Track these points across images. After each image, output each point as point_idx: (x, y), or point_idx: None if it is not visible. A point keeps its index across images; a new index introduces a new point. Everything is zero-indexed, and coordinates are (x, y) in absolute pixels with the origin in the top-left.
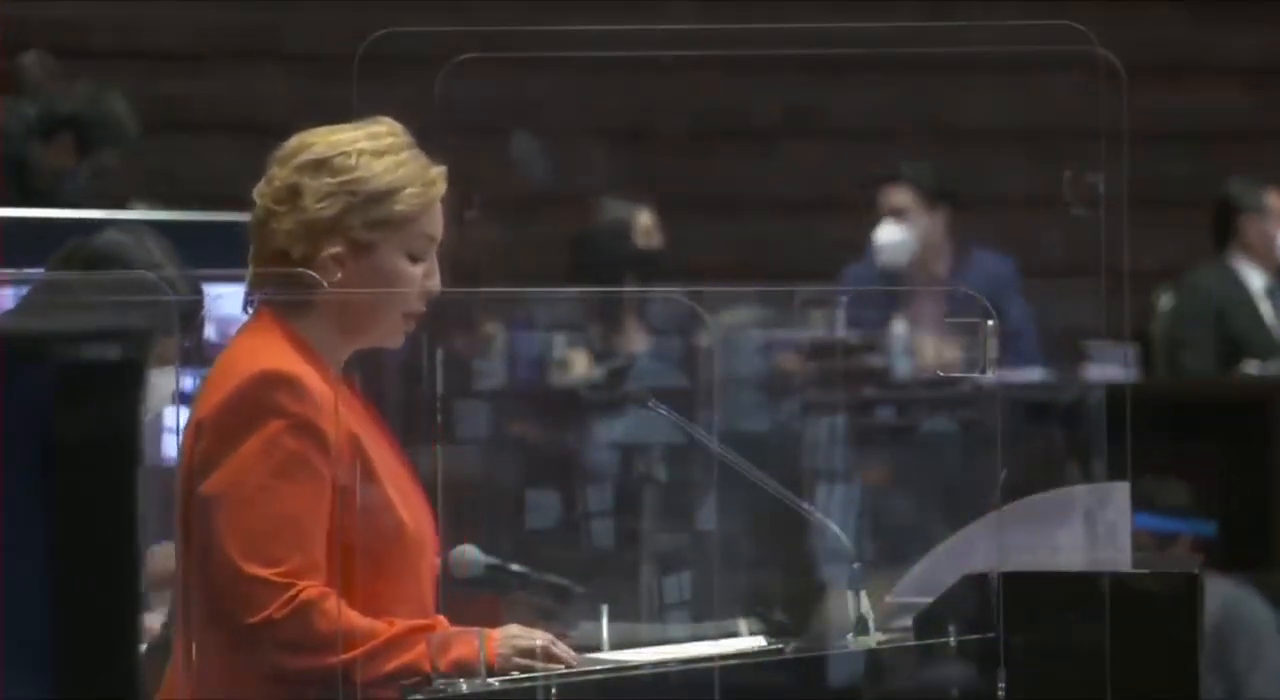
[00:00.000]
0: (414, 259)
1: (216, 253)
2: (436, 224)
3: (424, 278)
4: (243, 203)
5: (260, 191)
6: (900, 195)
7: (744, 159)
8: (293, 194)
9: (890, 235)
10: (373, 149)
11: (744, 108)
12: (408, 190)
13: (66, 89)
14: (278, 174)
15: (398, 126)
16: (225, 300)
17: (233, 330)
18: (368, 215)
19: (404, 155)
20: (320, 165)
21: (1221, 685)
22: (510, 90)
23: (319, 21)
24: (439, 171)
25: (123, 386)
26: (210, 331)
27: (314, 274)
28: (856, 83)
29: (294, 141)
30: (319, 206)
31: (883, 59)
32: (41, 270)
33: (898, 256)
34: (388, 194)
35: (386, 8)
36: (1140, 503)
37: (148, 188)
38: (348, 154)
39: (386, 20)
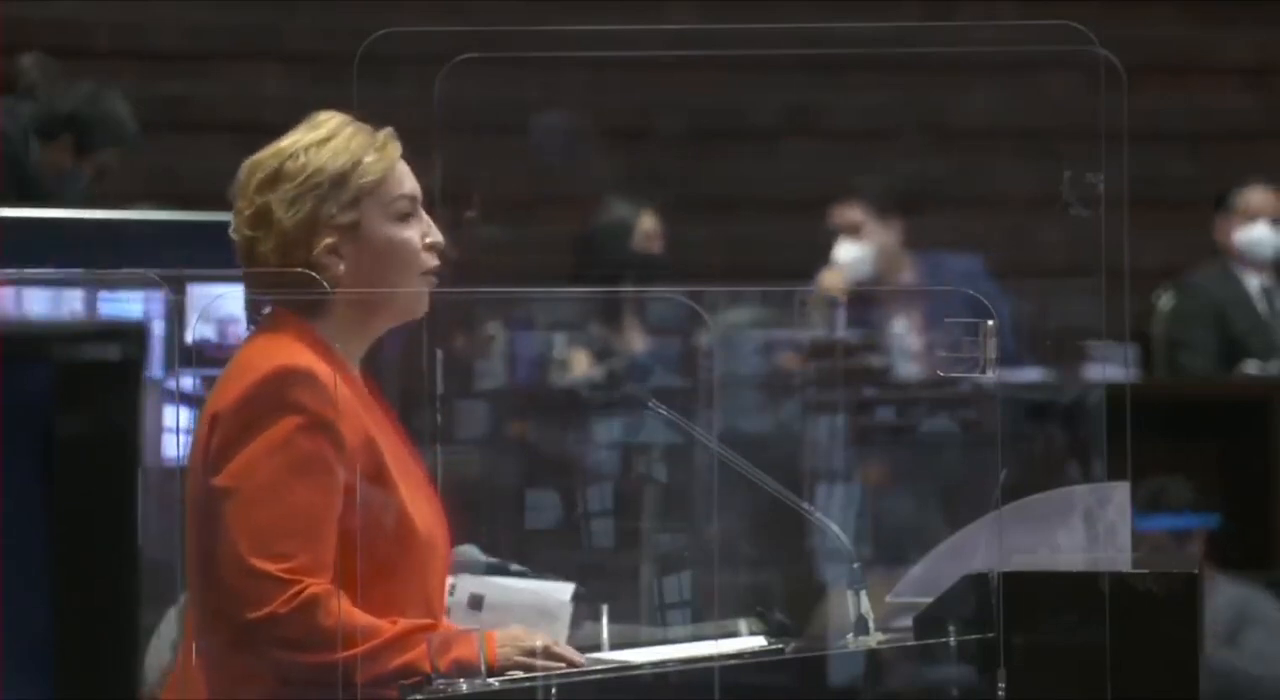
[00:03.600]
0: (403, 220)
1: (217, 253)
2: (408, 183)
3: (422, 236)
4: None
5: (235, 226)
6: (852, 212)
7: (744, 159)
8: (263, 215)
9: (848, 252)
10: (314, 140)
11: (744, 108)
12: (364, 160)
13: (66, 89)
14: (241, 204)
15: (334, 112)
16: (226, 300)
17: (234, 330)
18: (339, 199)
19: (347, 131)
20: (276, 177)
21: (1231, 689)
22: (510, 90)
23: (319, 21)
24: (387, 133)
25: (122, 384)
26: (210, 331)
27: (308, 274)
28: (856, 83)
29: (245, 166)
30: (291, 214)
31: (883, 59)
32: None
33: (857, 272)
34: (347, 173)
35: (386, 8)
36: (1150, 505)
37: (148, 188)
38: (294, 155)
39: (386, 20)
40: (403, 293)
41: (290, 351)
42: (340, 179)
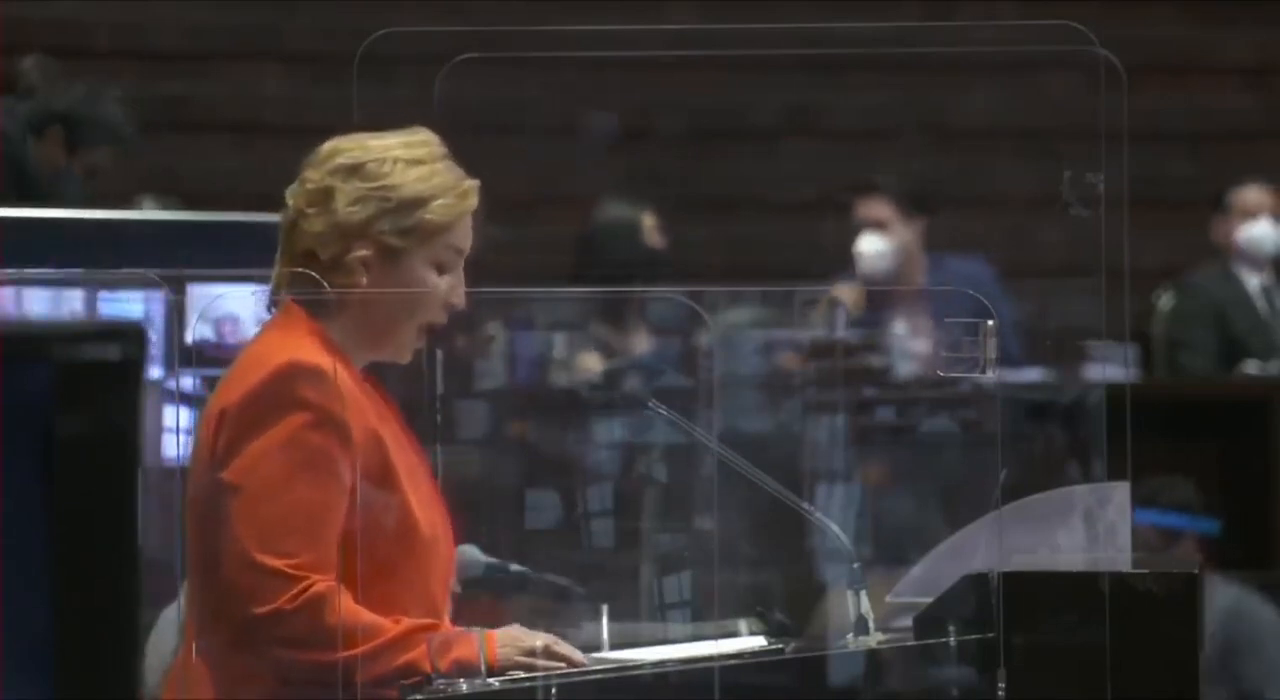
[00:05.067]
0: (440, 270)
1: (217, 253)
2: (465, 237)
3: (448, 291)
4: (243, 203)
5: (292, 193)
6: (879, 208)
7: (744, 159)
8: (325, 196)
9: (871, 245)
10: (407, 157)
11: (744, 108)
12: (439, 200)
13: (66, 89)
14: (311, 177)
15: (434, 137)
16: (226, 300)
17: (234, 328)
18: (398, 222)
19: (438, 165)
20: (354, 170)
21: (1229, 689)
22: (510, 90)
23: (319, 21)
24: (472, 185)
25: (122, 384)
26: (209, 330)
27: (317, 280)
28: (856, 83)
29: (328, 146)
30: (350, 209)
31: (883, 59)
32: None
33: (878, 266)
34: (419, 202)
35: (386, 8)
36: (1144, 500)
37: (148, 188)
38: (382, 160)
39: (386, 20)
40: (402, 330)
41: (299, 348)
42: (408, 205)
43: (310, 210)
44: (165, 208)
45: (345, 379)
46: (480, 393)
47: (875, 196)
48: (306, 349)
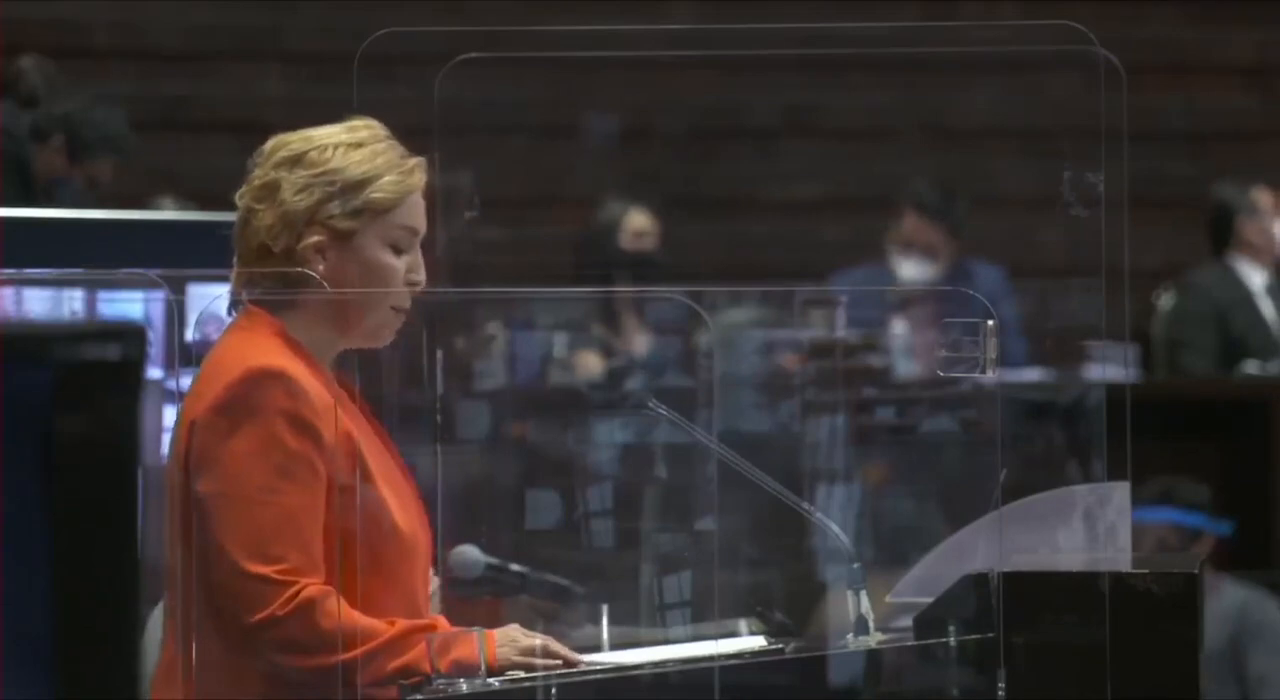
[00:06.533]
0: (396, 251)
1: (217, 253)
2: (417, 216)
3: (408, 272)
4: None
5: (241, 193)
6: (930, 233)
7: (744, 159)
8: (271, 189)
9: (915, 272)
10: (349, 141)
11: (744, 108)
12: (385, 179)
13: (66, 95)
14: (257, 174)
15: (375, 123)
16: (225, 301)
17: (219, 329)
18: (345, 203)
19: (380, 146)
20: (297, 159)
21: (1237, 689)
22: (511, 90)
23: (319, 21)
24: (417, 162)
25: (122, 384)
26: (195, 331)
27: (299, 271)
28: (856, 83)
29: (272, 142)
30: (296, 198)
31: (883, 59)
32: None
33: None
34: (364, 182)
35: (386, 8)
36: (1162, 498)
37: (148, 188)
38: (323, 147)
39: (386, 20)
40: (369, 315)
41: (263, 351)
42: (353, 186)
43: (259, 206)
44: (182, 209)
45: (312, 381)
46: (480, 393)
47: (922, 216)
48: (271, 353)
